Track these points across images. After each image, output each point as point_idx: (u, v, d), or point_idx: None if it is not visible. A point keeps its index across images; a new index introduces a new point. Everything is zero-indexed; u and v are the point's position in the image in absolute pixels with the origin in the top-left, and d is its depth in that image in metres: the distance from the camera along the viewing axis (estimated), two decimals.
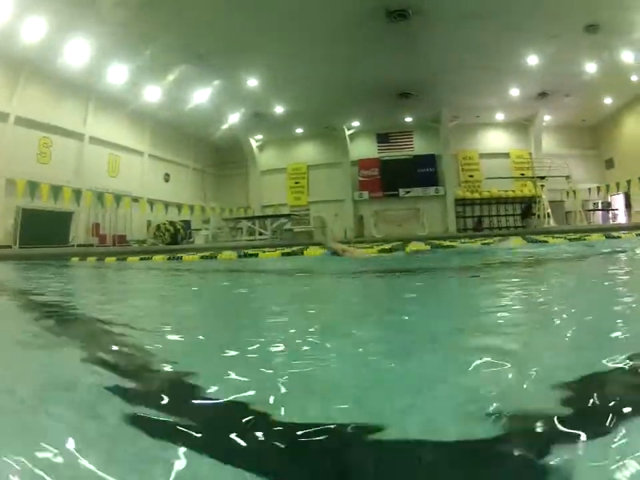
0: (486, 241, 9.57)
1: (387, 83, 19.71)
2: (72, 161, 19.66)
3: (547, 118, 25.01)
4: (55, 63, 16.68)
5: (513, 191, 25.21)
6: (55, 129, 18.81)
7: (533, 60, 17.61)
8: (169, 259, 9.55)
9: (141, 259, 10.03)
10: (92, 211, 20.11)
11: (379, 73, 18.64)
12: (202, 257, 9.09)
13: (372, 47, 16.46)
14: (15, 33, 14.47)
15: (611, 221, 23.72)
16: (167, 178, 26.40)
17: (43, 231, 16.79)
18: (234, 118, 24.67)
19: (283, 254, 8.89)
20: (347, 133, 27.16)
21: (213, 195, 29.57)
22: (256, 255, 8.92)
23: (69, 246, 17.76)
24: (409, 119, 25.50)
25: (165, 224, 20.12)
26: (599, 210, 24.91)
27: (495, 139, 26.69)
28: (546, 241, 8.39)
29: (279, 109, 23.59)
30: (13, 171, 16.31)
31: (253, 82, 19.94)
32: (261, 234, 20.93)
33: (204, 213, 24.84)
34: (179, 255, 10.06)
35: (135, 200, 21.60)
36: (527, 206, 22.84)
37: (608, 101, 22.41)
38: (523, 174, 24.51)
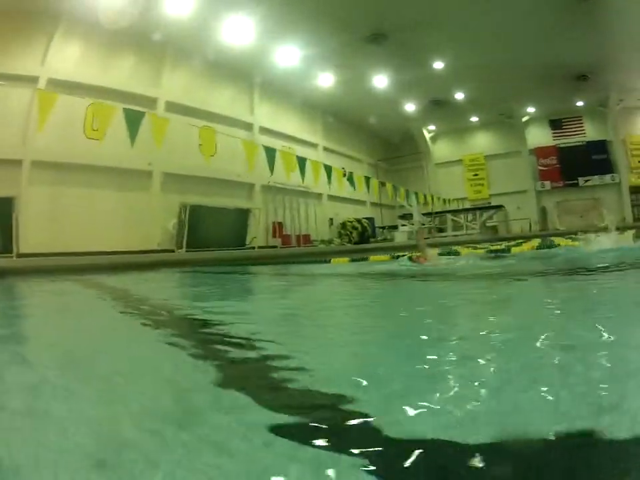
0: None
1: (564, 64, 18.87)
2: (240, 152, 16.86)
3: None
4: (212, 44, 14.59)
5: None
6: (218, 118, 16.30)
7: None
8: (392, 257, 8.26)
9: (352, 260, 9.04)
10: (271, 207, 17.30)
11: (558, 54, 17.78)
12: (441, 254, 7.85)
13: (556, 27, 15.79)
14: (157, 6, 12.42)
15: None
16: (344, 173, 22.94)
17: (214, 232, 13.75)
18: (410, 107, 23.00)
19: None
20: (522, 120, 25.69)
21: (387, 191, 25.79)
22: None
23: (248, 248, 14.71)
24: (579, 103, 24.06)
25: (351, 222, 17.60)
26: None
27: None
28: None
29: (459, 95, 21.83)
30: (171, 163, 13.96)
31: (438, 64, 18.07)
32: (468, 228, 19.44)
33: (400, 207, 21.48)
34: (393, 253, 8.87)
35: (317, 196, 18.50)
36: None
37: None
38: None
